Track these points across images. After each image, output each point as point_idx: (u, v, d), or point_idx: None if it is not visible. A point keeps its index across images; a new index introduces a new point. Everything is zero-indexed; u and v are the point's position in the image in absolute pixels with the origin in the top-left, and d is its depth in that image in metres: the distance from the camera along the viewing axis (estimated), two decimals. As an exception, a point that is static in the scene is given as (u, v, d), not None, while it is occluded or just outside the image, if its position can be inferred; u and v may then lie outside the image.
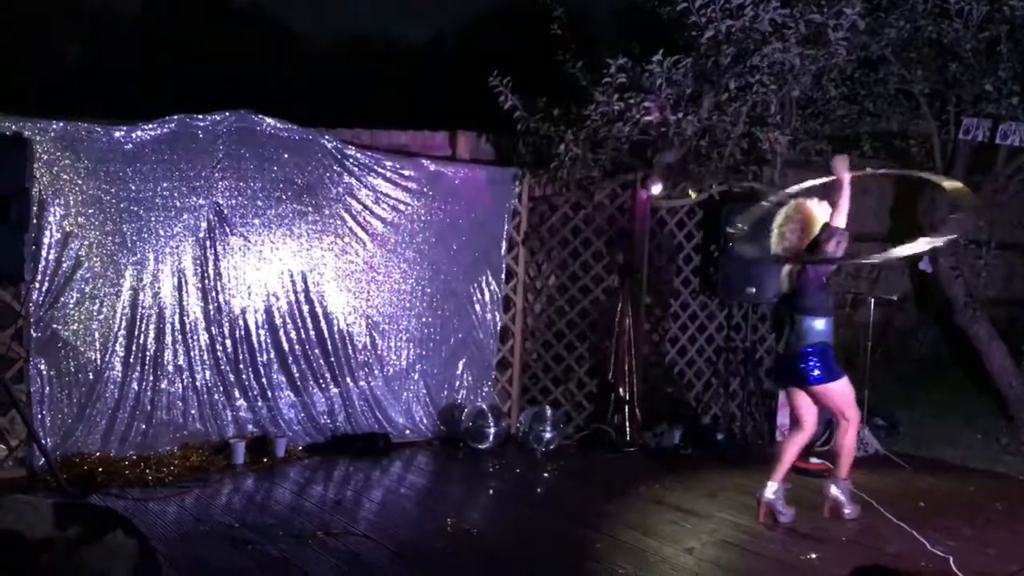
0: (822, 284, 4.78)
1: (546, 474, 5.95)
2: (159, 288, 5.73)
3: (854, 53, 6.14)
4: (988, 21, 5.87)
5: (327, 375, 6.30)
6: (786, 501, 4.95)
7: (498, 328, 6.88)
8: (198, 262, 5.86)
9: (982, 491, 5.69)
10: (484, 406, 6.63)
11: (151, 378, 5.71)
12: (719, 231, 6.75)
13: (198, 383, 5.88)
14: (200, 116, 5.75)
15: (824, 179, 4.91)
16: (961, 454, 6.63)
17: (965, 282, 7.08)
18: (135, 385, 5.65)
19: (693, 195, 6.81)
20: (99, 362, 5.53)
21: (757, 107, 6.18)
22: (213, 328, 5.94)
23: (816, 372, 4.77)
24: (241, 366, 6.03)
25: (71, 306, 5.42)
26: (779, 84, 5.95)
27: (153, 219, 5.67)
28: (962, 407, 7.39)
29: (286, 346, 6.17)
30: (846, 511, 4.98)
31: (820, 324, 4.77)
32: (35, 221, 5.16)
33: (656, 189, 6.52)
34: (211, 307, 5.92)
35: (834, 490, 5.00)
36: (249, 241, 6.01)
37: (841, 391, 4.85)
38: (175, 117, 5.68)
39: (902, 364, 8.04)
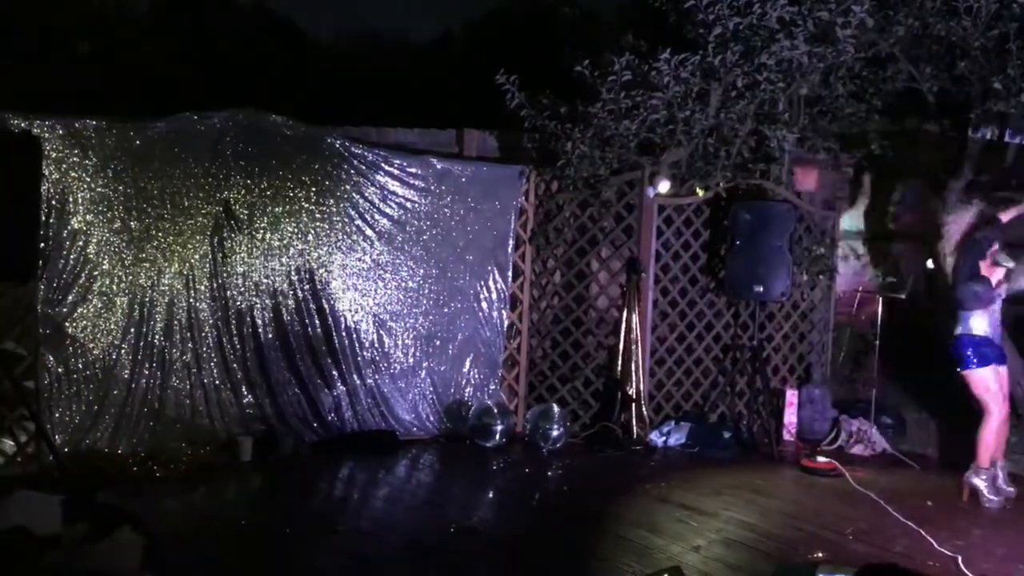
0: (970, 276, 5.16)
1: (552, 472, 5.96)
2: (167, 285, 5.75)
3: (862, 51, 6.12)
4: (997, 19, 5.84)
5: (334, 373, 6.31)
6: (994, 485, 5.30)
7: (505, 326, 6.88)
8: (206, 259, 5.88)
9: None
10: (490, 404, 6.64)
11: (159, 375, 5.74)
12: (726, 229, 6.75)
13: (206, 380, 5.90)
14: (208, 114, 5.78)
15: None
16: (969, 453, 6.60)
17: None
18: (143, 382, 5.68)
19: (700, 193, 6.80)
20: (108, 359, 5.55)
21: (765, 105, 6.17)
22: (221, 325, 5.96)
23: (961, 360, 5.21)
24: (248, 363, 6.05)
25: (80, 303, 5.44)
26: (787, 82, 5.93)
27: (161, 217, 5.69)
28: (970, 406, 7.36)
29: (293, 343, 6.19)
30: (985, 500, 5.25)
31: (969, 316, 5.19)
32: (44, 219, 5.19)
33: (663, 187, 6.51)
34: (219, 304, 5.95)
35: (971, 478, 5.32)
36: (256, 238, 6.03)
37: (980, 381, 5.20)
38: (183, 115, 5.71)
39: (910, 363, 8.01)
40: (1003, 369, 5.33)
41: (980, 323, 5.22)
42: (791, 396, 7.01)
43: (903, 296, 6.73)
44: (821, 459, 6.06)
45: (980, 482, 5.31)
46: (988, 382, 5.23)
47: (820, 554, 4.38)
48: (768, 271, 6.50)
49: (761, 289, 6.52)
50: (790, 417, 6.98)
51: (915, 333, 7.21)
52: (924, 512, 5.12)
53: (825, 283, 7.38)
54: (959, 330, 5.26)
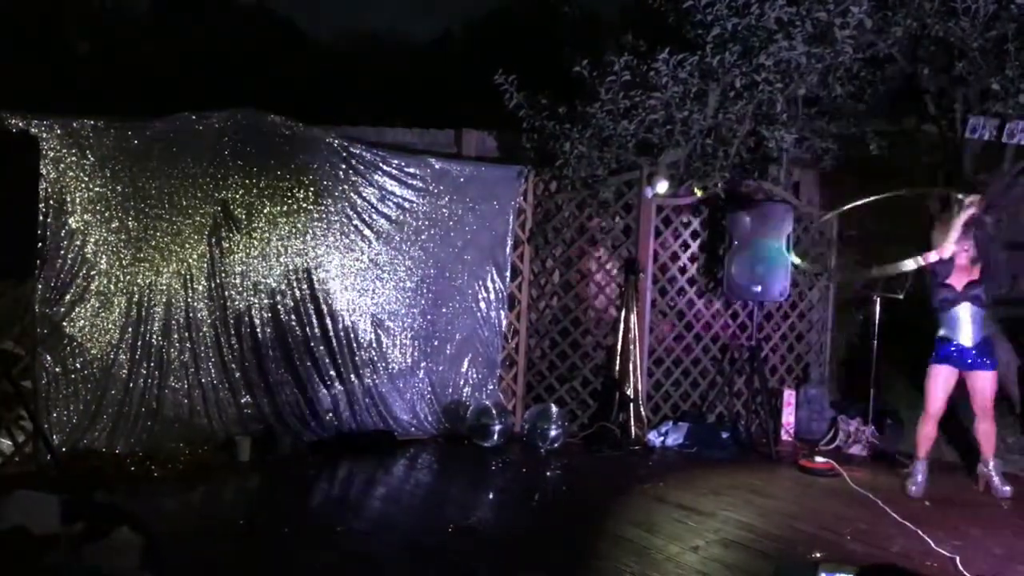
0: (936, 284, 5.57)
1: (550, 472, 5.96)
2: (165, 285, 5.76)
3: (860, 51, 6.11)
4: (995, 19, 5.84)
5: (332, 372, 6.32)
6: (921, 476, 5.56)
7: (503, 326, 6.89)
8: (204, 259, 5.89)
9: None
10: (489, 403, 6.64)
11: (157, 375, 5.74)
12: (724, 229, 6.75)
13: (204, 380, 5.91)
14: (206, 114, 5.78)
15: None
16: (967, 453, 6.61)
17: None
18: (141, 382, 5.68)
19: (698, 193, 6.80)
20: (105, 359, 5.55)
21: (763, 105, 6.16)
22: (219, 325, 5.97)
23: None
24: (246, 363, 6.05)
25: (78, 303, 5.45)
26: (785, 82, 5.93)
27: (159, 217, 5.69)
28: (967, 406, 7.38)
29: (291, 343, 6.19)
30: (909, 488, 5.47)
31: (939, 318, 5.55)
32: (42, 218, 5.20)
33: (661, 187, 6.51)
34: (217, 304, 5.95)
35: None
36: (254, 238, 6.03)
37: (927, 379, 5.57)
38: (182, 115, 5.71)
39: (908, 363, 8.03)
40: (975, 373, 5.48)
41: (945, 325, 5.53)
42: (789, 396, 7.02)
43: (900, 296, 6.73)
44: (819, 459, 6.07)
45: (914, 471, 5.56)
46: (928, 378, 5.57)
47: (819, 554, 4.38)
48: (766, 271, 6.51)
49: (759, 289, 6.53)
50: (788, 417, 6.99)
51: (912, 333, 7.21)
52: (922, 512, 5.13)
53: (823, 283, 7.39)
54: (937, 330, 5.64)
